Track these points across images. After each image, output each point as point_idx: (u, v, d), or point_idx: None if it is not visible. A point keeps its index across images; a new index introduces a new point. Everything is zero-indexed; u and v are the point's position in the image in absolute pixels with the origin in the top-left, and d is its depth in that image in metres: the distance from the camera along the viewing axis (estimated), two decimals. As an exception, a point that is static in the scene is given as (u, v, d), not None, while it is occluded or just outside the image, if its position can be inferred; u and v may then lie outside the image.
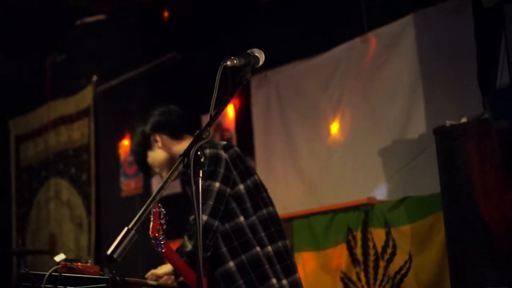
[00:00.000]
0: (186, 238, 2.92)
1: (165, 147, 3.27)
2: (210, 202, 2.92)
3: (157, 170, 3.30)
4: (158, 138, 3.27)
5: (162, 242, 2.65)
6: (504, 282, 3.13)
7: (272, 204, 3.17)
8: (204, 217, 2.88)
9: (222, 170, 2.98)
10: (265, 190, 3.19)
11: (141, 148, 3.32)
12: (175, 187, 6.08)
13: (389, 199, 4.49)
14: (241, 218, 3.00)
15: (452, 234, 3.42)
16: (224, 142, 3.14)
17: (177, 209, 3.40)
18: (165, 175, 3.30)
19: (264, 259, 2.98)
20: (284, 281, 3.00)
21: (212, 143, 3.10)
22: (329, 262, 4.48)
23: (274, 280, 2.96)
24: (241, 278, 2.94)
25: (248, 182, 3.08)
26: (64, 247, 7.11)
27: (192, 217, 2.95)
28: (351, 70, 5.03)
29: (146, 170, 3.38)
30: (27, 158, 7.99)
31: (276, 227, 3.11)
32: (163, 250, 2.68)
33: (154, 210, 2.63)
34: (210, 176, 2.96)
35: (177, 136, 3.28)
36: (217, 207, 2.93)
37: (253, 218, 3.03)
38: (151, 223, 2.62)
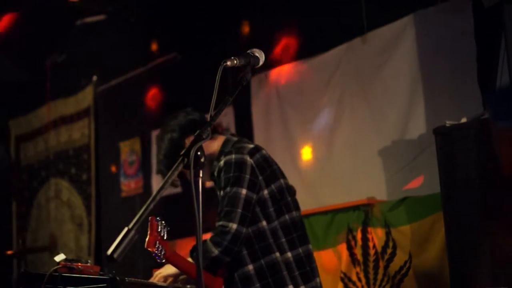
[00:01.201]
0: (210, 243, 2.90)
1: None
2: (239, 210, 2.93)
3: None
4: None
5: (160, 254, 2.65)
6: (504, 282, 3.13)
7: (296, 208, 3.16)
8: (234, 225, 2.90)
9: (248, 176, 2.99)
10: (292, 194, 3.17)
11: (173, 155, 3.22)
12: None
13: (389, 199, 4.49)
14: (264, 223, 3.01)
15: (452, 234, 3.42)
16: (251, 146, 3.13)
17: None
18: (206, 179, 3.27)
19: (282, 265, 2.99)
20: (302, 287, 3.02)
21: (238, 147, 3.09)
22: (329, 262, 4.48)
23: (291, 287, 2.97)
24: (258, 281, 2.96)
25: (273, 186, 3.08)
26: (64, 247, 7.11)
27: (219, 223, 2.94)
28: (351, 70, 5.03)
29: (179, 177, 3.32)
30: (27, 158, 7.99)
31: (299, 232, 3.10)
32: (163, 261, 2.68)
33: (151, 222, 2.61)
34: (236, 182, 2.96)
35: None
36: (245, 215, 2.94)
37: (275, 223, 3.03)
38: (148, 236, 2.61)
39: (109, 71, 6.95)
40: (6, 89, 7.57)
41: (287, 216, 3.08)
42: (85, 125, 7.22)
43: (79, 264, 2.79)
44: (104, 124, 7.09)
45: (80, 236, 7.10)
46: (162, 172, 3.32)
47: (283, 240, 3.04)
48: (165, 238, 2.68)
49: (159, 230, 2.64)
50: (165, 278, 3.03)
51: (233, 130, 5.86)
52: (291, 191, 3.20)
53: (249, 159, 3.03)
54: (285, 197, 3.12)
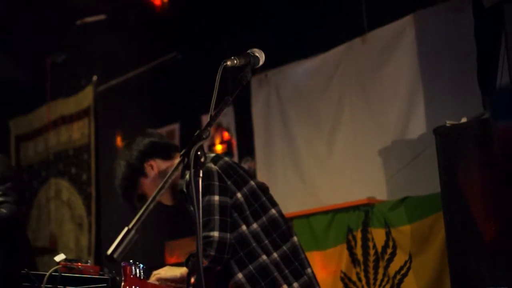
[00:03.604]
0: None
1: (161, 171, 3.20)
2: (216, 217, 2.89)
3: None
4: (152, 163, 3.20)
5: None
6: (504, 282, 3.13)
7: (274, 205, 3.13)
8: (216, 233, 2.86)
9: (216, 183, 2.96)
10: (266, 193, 3.15)
11: (132, 180, 3.24)
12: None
13: (389, 199, 4.49)
14: (244, 227, 2.98)
15: (452, 234, 3.42)
16: (212, 155, 3.10)
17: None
18: (165, 201, 3.26)
19: (272, 266, 2.96)
20: (295, 284, 2.99)
21: None
22: (329, 262, 4.48)
23: (285, 287, 2.95)
24: None
25: (245, 189, 3.05)
26: (64, 247, 7.11)
27: (201, 236, 2.91)
28: (351, 70, 5.03)
29: (139, 201, 3.32)
30: (27, 158, 7.99)
31: (279, 230, 3.08)
32: None
33: (124, 268, 2.57)
34: (206, 191, 2.93)
35: (168, 156, 3.22)
36: (224, 220, 2.91)
37: (255, 226, 3.01)
38: (122, 283, 2.55)
39: (109, 71, 6.95)
40: (6, 89, 7.57)
41: (264, 218, 3.05)
42: (85, 125, 7.22)
43: (79, 264, 2.79)
44: (104, 124, 7.09)
45: (80, 236, 7.10)
46: (124, 200, 3.31)
47: (266, 241, 3.01)
48: (142, 277, 2.64)
49: (133, 273, 2.60)
50: (164, 281, 3.00)
51: (233, 130, 5.87)
52: (264, 189, 3.16)
53: (213, 166, 3.00)
54: (259, 197, 3.09)
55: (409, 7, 4.68)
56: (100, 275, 2.76)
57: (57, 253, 2.83)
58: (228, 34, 5.81)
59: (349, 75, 5.05)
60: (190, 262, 2.97)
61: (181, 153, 2.04)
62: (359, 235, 4.35)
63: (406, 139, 4.64)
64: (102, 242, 6.83)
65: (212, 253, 2.85)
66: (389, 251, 4.19)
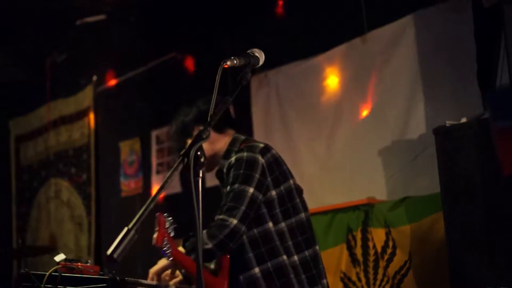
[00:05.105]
0: (206, 235, 2.87)
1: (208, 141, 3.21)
2: (243, 207, 2.91)
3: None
4: None
5: (168, 252, 2.64)
6: (504, 282, 3.13)
7: (305, 209, 3.14)
8: (234, 221, 2.88)
9: (257, 176, 2.97)
10: (300, 194, 3.16)
11: (181, 137, 3.26)
12: (175, 187, 6.08)
13: (389, 199, 4.49)
14: (270, 224, 2.99)
15: (452, 234, 3.42)
16: (261, 145, 3.11)
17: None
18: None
19: (290, 268, 2.96)
20: None
21: (249, 146, 3.08)
22: (329, 262, 4.48)
23: None
24: (265, 285, 2.93)
25: (282, 187, 3.06)
26: (64, 247, 7.11)
27: (219, 217, 2.92)
28: (351, 70, 5.03)
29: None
30: (27, 158, 7.99)
31: (305, 235, 3.08)
32: (171, 259, 2.68)
33: (159, 218, 2.61)
34: (245, 180, 2.95)
35: (220, 129, 3.22)
36: (247, 213, 2.92)
37: (282, 225, 3.02)
38: (156, 233, 2.60)
39: (109, 71, 6.95)
40: (6, 89, 7.57)
41: (293, 219, 3.06)
42: (85, 125, 7.22)
43: (79, 264, 2.79)
44: (104, 124, 7.09)
45: (80, 236, 7.10)
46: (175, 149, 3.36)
47: (290, 243, 3.01)
48: (172, 235, 2.66)
49: (167, 226, 2.63)
50: (161, 270, 2.98)
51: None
52: (299, 191, 3.18)
53: (260, 159, 3.02)
54: (294, 198, 3.10)
55: (409, 7, 4.68)
56: (100, 275, 2.76)
57: (57, 253, 2.83)
58: (228, 34, 5.81)
59: (349, 75, 5.05)
60: (189, 242, 2.95)
61: (181, 153, 2.04)
62: (359, 235, 4.35)
63: (406, 139, 4.64)
64: (102, 242, 6.83)
65: (222, 236, 2.85)
66: (389, 251, 4.19)
